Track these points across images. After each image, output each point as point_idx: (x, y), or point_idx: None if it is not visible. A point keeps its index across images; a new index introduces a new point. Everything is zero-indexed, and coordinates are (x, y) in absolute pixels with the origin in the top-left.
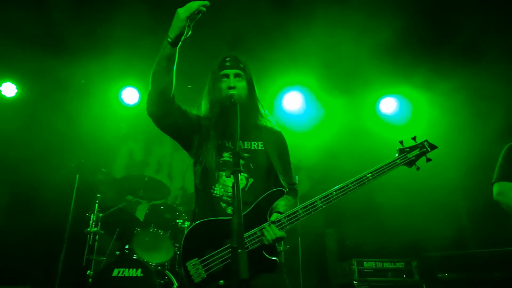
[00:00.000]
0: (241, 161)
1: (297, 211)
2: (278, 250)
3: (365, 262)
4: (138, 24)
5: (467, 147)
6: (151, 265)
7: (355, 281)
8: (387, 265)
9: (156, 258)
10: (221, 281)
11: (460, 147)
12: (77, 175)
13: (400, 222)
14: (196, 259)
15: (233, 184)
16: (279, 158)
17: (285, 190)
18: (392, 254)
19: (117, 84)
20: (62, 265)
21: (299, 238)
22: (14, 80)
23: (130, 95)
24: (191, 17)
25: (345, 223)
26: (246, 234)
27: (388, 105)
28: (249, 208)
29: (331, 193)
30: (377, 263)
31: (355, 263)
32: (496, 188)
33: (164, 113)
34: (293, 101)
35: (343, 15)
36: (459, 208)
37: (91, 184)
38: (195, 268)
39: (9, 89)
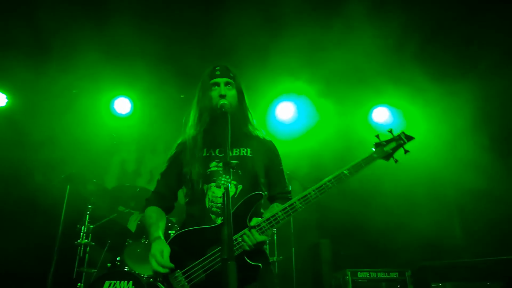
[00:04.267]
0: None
1: (277, 213)
2: (271, 260)
3: (359, 273)
4: (130, 34)
5: (461, 157)
6: (143, 277)
7: None
8: (381, 275)
9: (148, 270)
10: None
11: (454, 157)
12: (68, 186)
13: (394, 232)
14: (178, 271)
15: (223, 194)
16: (269, 167)
17: (263, 194)
18: (386, 264)
19: (109, 94)
20: (52, 278)
21: (293, 248)
22: (4, 90)
23: (122, 105)
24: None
25: (339, 233)
26: None
27: (381, 115)
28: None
29: (309, 193)
30: (371, 273)
31: (349, 273)
32: None
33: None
34: (285, 111)
35: (334, 24)
36: (452, 217)
37: (82, 195)
38: (177, 281)
39: (0, 99)
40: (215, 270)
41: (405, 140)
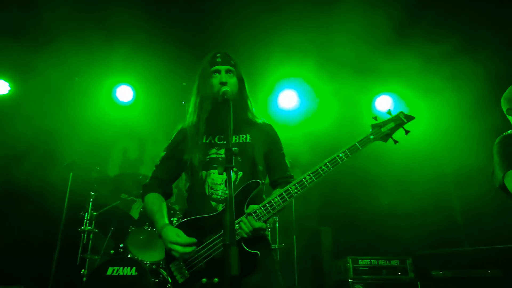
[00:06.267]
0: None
1: (272, 199)
2: (272, 247)
3: (360, 260)
4: (131, 21)
5: (461, 145)
6: (146, 263)
7: (350, 279)
8: (382, 262)
9: (151, 256)
10: (204, 279)
11: (454, 145)
12: (71, 174)
13: (395, 220)
14: None
15: (225, 181)
16: (269, 153)
17: (261, 182)
18: (387, 252)
19: (111, 81)
20: (56, 264)
21: (294, 236)
22: (6, 78)
23: (124, 93)
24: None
25: (340, 221)
26: None
27: (384, 103)
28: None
29: (304, 178)
30: (372, 261)
31: (350, 261)
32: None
33: None
34: (287, 99)
35: (337, 9)
36: (453, 206)
37: (85, 183)
38: (178, 268)
39: (2, 87)
40: (214, 258)
41: (405, 120)
